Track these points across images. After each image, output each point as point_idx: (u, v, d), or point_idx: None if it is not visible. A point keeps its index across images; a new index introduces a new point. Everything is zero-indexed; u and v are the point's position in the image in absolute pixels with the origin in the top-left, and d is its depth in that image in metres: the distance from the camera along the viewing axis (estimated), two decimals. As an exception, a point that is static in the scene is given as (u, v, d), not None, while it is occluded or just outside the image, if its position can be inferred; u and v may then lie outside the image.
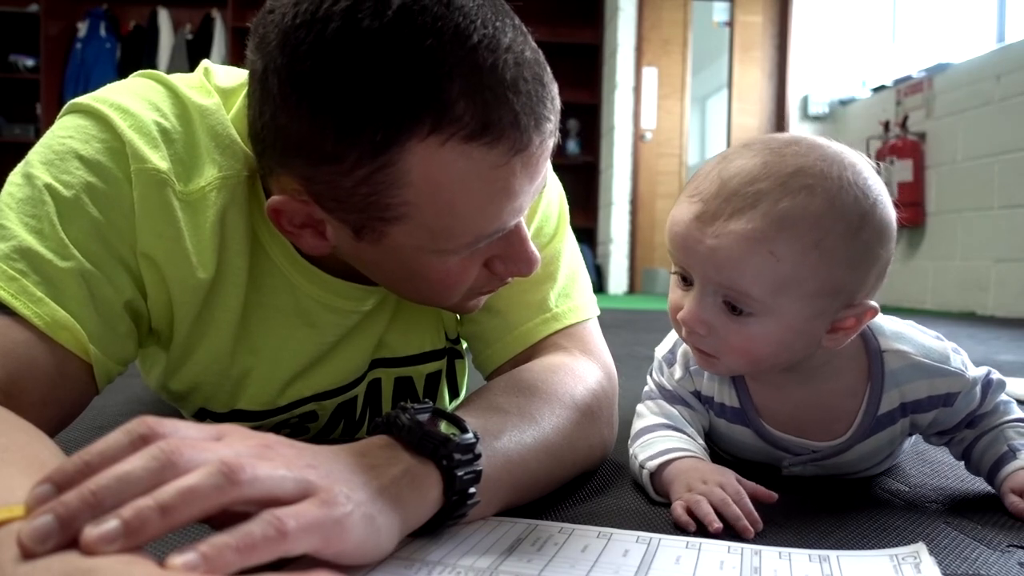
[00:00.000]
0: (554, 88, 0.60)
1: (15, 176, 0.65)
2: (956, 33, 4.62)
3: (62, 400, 0.62)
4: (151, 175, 0.64)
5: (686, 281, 0.71)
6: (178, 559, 0.35)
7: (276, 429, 0.81)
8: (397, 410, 0.55)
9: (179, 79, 0.70)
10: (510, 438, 0.62)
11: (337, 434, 0.87)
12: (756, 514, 0.65)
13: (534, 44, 0.60)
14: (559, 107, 0.61)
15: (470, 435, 0.54)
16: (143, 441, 0.39)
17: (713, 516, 0.63)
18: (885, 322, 0.77)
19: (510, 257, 0.67)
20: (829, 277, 0.66)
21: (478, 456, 0.54)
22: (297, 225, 0.63)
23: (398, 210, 0.58)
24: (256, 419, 0.79)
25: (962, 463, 0.79)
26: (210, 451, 0.41)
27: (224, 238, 0.68)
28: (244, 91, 0.68)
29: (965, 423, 0.76)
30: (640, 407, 0.83)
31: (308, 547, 0.41)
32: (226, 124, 0.68)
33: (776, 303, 0.66)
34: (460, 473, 0.52)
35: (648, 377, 0.86)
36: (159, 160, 0.64)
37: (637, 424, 0.80)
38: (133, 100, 0.66)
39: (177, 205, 0.65)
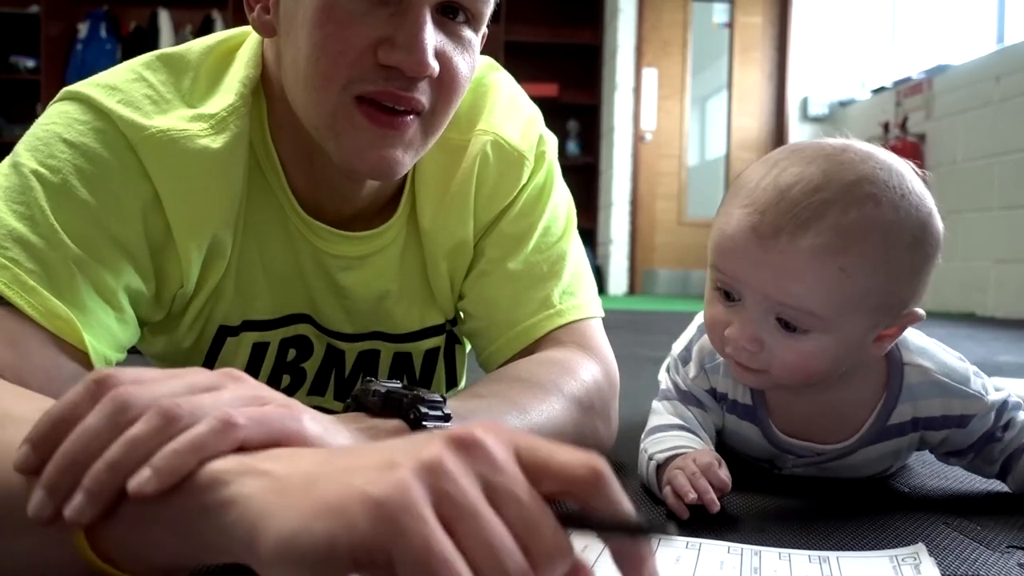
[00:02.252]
0: None
1: (2, 167, 0.65)
2: (956, 34, 4.63)
3: (59, 392, 0.61)
4: (157, 138, 0.65)
5: (729, 297, 0.68)
6: (132, 483, 0.36)
7: (278, 361, 0.82)
8: (366, 383, 0.56)
9: (181, 46, 0.74)
10: (486, 417, 0.62)
11: (330, 392, 0.88)
12: (725, 481, 0.65)
13: None
14: None
15: (436, 395, 0.55)
16: (100, 389, 0.40)
17: (688, 488, 0.64)
18: (910, 335, 0.75)
19: (400, 42, 0.62)
20: (893, 290, 0.64)
21: (447, 417, 0.55)
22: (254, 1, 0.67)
23: None
24: (264, 328, 0.80)
25: (987, 478, 0.78)
26: (157, 390, 0.40)
27: (236, 164, 0.70)
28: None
29: (980, 446, 0.74)
30: (656, 404, 0.83)
31: (260, 436, 0.39)
32: (218, 57, 0.72)
33: (838, 320, 0.64)
34: (429, 425, 0.53)
35: (664, 374, 0.85)
36: (158, 121, 0.66)
37: (652, 421, 0.80)
38: (119, 76, 0.68)
39: (197, 146, 0.66)
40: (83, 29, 5.64)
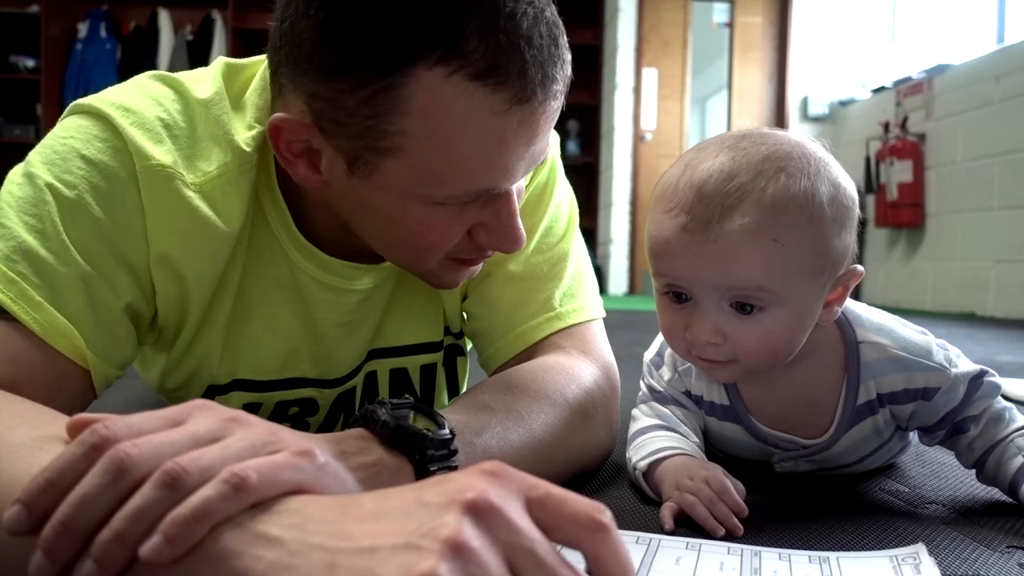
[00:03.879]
0: (567, 55, 0.61)
1: (15, 175, 0.64)
2: (956, 34, 4.63)
3: (59, 407, 0.61)
4: (156, 171, 0.64)
5: (680, 298, 0.70)
6: (143, 550, 0.35)
7: (276, 419, 0.81)
8: (375, 404, 0.54)
9: (186, 75, 0.71)
10: (493, 435, 0.62)
11: (338, 429, 0.87)
12: (743, 505, 0.65)
13: (555, 12, 0.61)
14: (569, 76, 0.62)
15: (446, 431, 0.54)
16: (96, 451, 0.39)
17: (713, 522, 0.64)
18: (865, 312, 0.77)
19: (495, 228, 0.66)
20: (825, 249, 0.67)
21: (453, 452, 0.54)
22: (295, 153, 0.64)
23: (393, 140, 0.59)
24: (257, 390, 0.79)
25: (964, 467, 0.78)
26: (158, 445, 0.39)
27: (244, 214, 0.69)
28: (263, 63, 0.70)
29: (951, 422, 0.75)
30: (634, 411, 0.84)
31: (272, 492, 0.38)
32: (227, 110, 0.69)
33: (787, 290, 0.66)
34: (433, 468, 0.52)
35: (641, 382, 0.86)
36: (163, 155, 0.65)
37: (632, 428, 0.81)
38: (134, 97, 0.67)
39: (191, 195, 0.65)
40: (83, 29, 5.64)
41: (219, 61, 0.74)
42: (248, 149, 0.68)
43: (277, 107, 0.65)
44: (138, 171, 0.64)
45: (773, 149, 0.67)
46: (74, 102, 0.68)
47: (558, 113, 0.63)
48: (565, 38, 0.61)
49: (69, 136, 0.65)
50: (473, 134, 0.58)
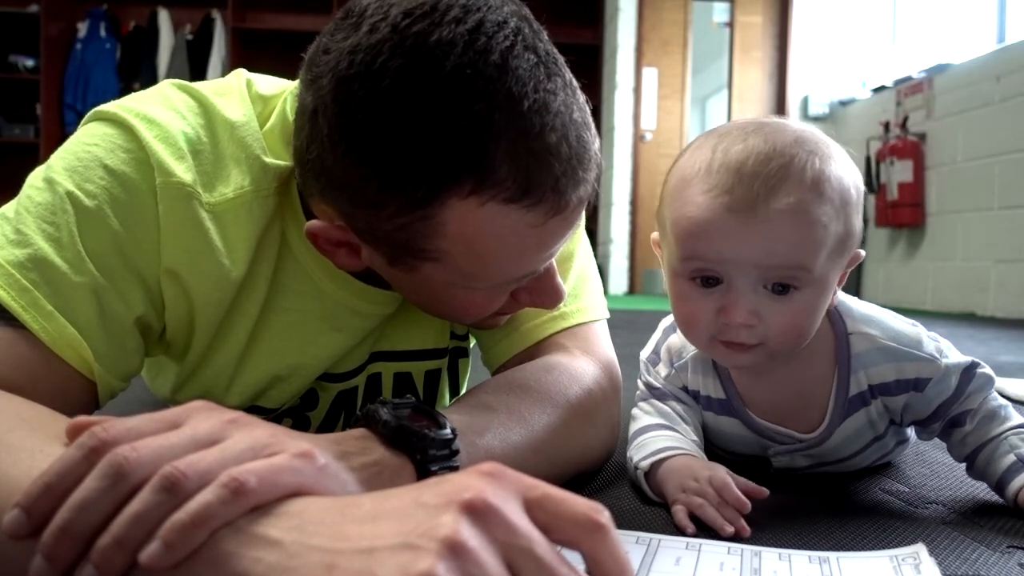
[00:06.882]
0: (595, 144, 0.61)
1: (36, 180, 0.64)
2: (956, 34, 4.63)
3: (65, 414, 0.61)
4: (176, 188, 0.63)
5: (708, 282, 0.69)
6: (143, 555, 0.35)
7: (277, 420, 0.81)
8: (377, 404, 0.54)
9: (210, 87, 0.70)
10: (495, 435, 0.62)
11: (339, 428, 0.87)
12: (745, 500, 0.65)
13: (582, 100, 0.61)
14: (599, 160, 0.62)
15: (447, 431, 0.54)
16: (95, 454, 0.39)
17: (722, 521, 0.64)
18: (854, 304, 0.77)
19: (536, 290, 0.69)
20: (851, 230, 0.69)
21: (455, 452, 0.54)
22: (333, 244, 0.65)
23: (432, 254, 0.60)
24: (268, 413, 0.79)
25: (955, 460, 0.79)
26: (157, 448, 0.39)
27: (254, 247, 0.68)
28: (283, 97, 0.70)
29: (945, 415, 0.75)
30: (634, 410, 0.84)
31: (272, 496, 0.39)
32: (257, 137, 0.67)
33: (824, 268, 0.68)
34: (434, 468, 0.52)
35: (638, 381, 0.86)
36: (184, 172, 0.64)
37: (632, 427, 0.81)
38: (159, 109, 0.66)
39: (204, 216, 0.65)
40: (82, 28, 5.64)
41: (242, 78, 0.73)
42: (268, 177, 0.67)
43: (309, 203, 0.66)
44: (158, 186, 0.63)
45: (799, 134, 0.69)
46: (96, 108, 0.67)
47: (592, 195, 0.63)
48: (592, 127, 0.61)
49: (93, 144, 0.64)
50: (511, 244, 0.59)
